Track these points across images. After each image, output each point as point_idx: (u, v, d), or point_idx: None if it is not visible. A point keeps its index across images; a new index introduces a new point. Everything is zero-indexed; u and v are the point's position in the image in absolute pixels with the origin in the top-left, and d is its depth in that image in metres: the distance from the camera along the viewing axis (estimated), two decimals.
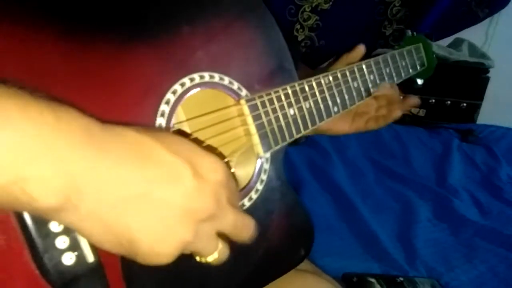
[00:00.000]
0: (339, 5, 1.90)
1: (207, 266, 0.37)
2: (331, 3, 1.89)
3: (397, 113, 0.74)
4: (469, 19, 2.08)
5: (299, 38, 1.95)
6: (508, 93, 2.11)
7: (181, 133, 0.46)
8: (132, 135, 0.32)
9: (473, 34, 2.08)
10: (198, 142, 0.44)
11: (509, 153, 1.75)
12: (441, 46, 2.01)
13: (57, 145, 0.28)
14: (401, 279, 1.00)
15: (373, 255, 1.11)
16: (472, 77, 1.96)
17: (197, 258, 0.37)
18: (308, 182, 1.38)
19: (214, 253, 0.37)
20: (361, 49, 0.74)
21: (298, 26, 1.92)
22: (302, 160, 1.47)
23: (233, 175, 0.38)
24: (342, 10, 1.92)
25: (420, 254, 1.12)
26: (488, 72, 1.97)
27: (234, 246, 0.39)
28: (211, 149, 0.39)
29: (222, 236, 0.37)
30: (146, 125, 0.43)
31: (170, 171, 0.32)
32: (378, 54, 2.15)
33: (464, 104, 1.97)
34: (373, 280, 0.99)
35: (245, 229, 0.39)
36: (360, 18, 1.99)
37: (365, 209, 1.27)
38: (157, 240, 0.32)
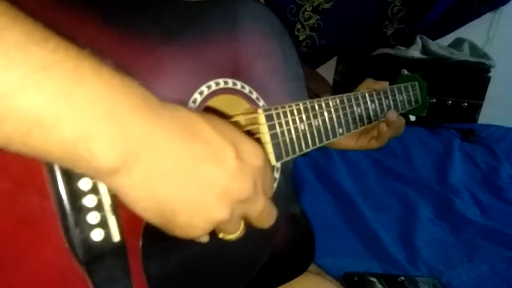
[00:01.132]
0: (340, 4, 1.91)
1: (220, 266, 0.37)
2: (332, 2, 1.89)
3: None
4: (470, 15, 2.07)
5: (300, 38, 1.95)
6: (509, 93, 2.11)
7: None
8: (185, 112, 0.34)
9: (474, 34, 2.09)
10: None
11: (510, 152, 1.75)
12: (442, 46, 2.01)
13: (122, 109, 0.29)
14: (402, 278, 1.00)
15: (374, 255, 1.11)
16: (473, 77, 1.96)
17: (220, 235, 0.39)
18: (309, 182, 1.39)
19: (234, 235, 0.38)
20: (386, 84, 0.79)
21: (299, 26, 1.93)
22: (304, 160, 1.48)
23: (270, 164, 0.40)
24: (343, 9, 1.92)
25: (421, 253, 1.13)
26: (489, 72, 1.97)
27: (241, 252, 0.40)
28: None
29: (244, 219, 0.39)
30: None
31: (216, 151, 0.33)
32: (379, 54, 2.14)
33: (465, 104, 1.97)
34: (374, 279, 0.99)
35: (268, 218, 0.40)
36: (361, 17, 1.99)
37: (367, 208, 1.28)
38: (196, 214, 0.33)
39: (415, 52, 1.95)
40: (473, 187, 1.49)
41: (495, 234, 1.22)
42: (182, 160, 0.32)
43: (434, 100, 1.93)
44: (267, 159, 0.37)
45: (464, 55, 1.98)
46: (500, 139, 1.87)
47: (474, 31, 2.10)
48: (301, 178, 1.38)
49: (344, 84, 1.98)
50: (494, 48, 2.12)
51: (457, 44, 2.07)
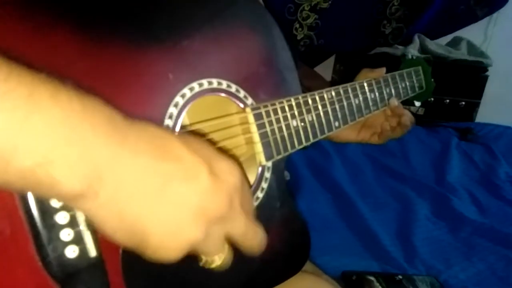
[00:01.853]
0: (338, 4, 1.90)
1: (206, 273, 0.37)
2: (330, 2, 1.89)
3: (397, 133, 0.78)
4: (468, 18, 2.08)
5: (298, 37, 1.95)
6: (506, 92, 2.11)
7: (197, 134, 0.46)
8: (153, 130, 0.33)
9: (472, 33, 2.09)
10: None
11: (507, 151, 1.76)
12: (440, 45, 2.02)
13: (83, 132, 0.29)
14: (400, 277, 1.01)
15: (372, 254, 1.12)
16: (471, 76, 1.97)
17: (201, 263, 0.37)
18: (307, 180, 1.39)
19: (218, 260, 0.37)
20: (383, 71, 0.77)
21: (297, 25, 1.93)
22: (302, 159, 1.48)
23: (248, 182, 0.39)
24: (341, 9, 1.92)
25: (419, 252, 1.13)
26: (486, 70, 1.97)
27: (234, 253, 0.39)
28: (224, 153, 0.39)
29: (229, 243, 0.37)
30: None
31: (187, 168, 0.33)
32: (377, 53, 2.14)
33: (463, 103, 1.98)
34: (372, 278, 0.99)
35: (254, 238, 0.39)
36: (359, 17, 1.99)
37: (365, 207, 1.28)
38: (168, 235, 0.32)
39: (413, 50, 1.95)
40: (471, 186, 1.49)
41: (492, 233, 1.22)
42: (150, 179, 0.31)
43: (432, 99, 1.93)
44: (243, 176, 0.36)
45: (461, 54, 1.99)
46: (498, 138, 1.87)
47: (471, 30, 2.10)
48: (299, 177, 1.38)
49: (342, 83, 1.97)
50: (491, 47, 2.13)
51: (455, 43, 2.07)
